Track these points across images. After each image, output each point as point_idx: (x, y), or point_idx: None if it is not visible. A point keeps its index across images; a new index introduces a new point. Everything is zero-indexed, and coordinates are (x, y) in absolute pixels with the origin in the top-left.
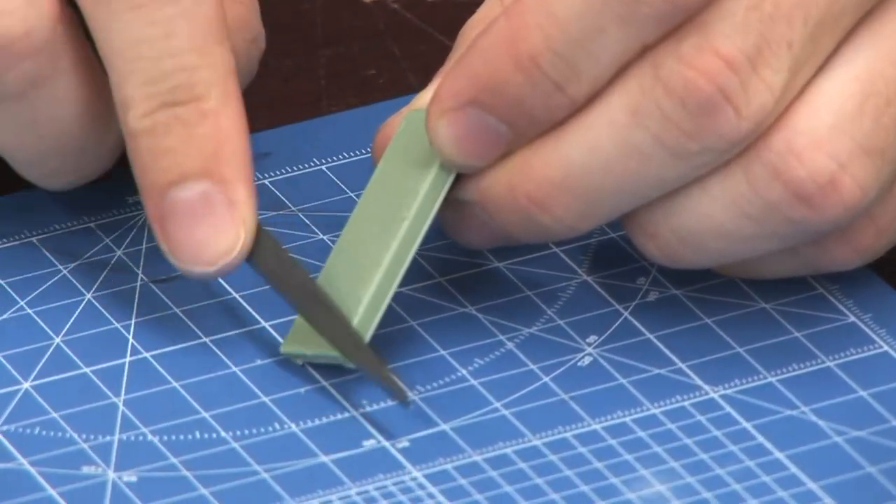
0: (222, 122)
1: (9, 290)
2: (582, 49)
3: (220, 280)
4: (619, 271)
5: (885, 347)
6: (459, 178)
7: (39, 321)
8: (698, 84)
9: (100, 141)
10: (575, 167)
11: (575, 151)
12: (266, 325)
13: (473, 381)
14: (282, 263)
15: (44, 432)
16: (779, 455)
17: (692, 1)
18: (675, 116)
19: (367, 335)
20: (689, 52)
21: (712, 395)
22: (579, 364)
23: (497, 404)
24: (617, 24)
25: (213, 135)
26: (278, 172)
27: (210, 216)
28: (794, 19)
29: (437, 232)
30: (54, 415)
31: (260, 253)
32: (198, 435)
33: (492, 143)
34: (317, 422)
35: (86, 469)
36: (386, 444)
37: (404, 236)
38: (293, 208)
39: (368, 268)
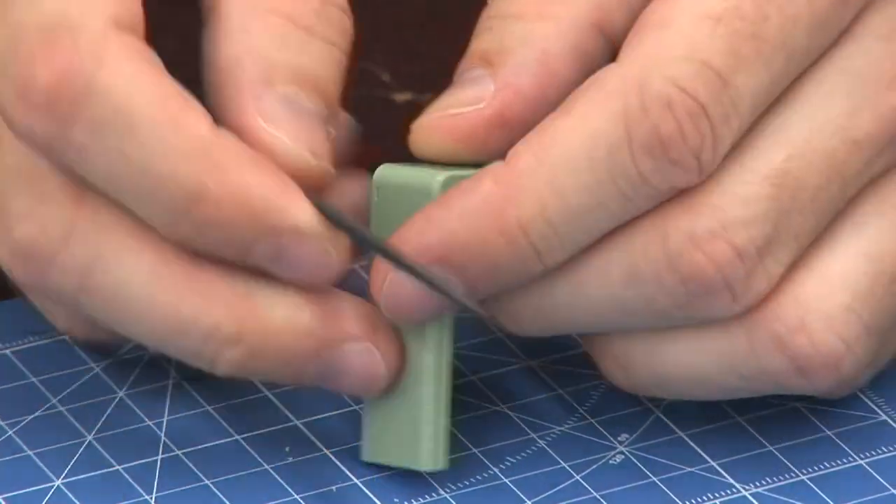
0: (233, 189)
1: (41, 387)
2: (577, 221)
3: (253, 380)
4: None
5: None
6: None
7: (72, 419)
8: (705, 270)
9: None
10: (558, 304)
11: (559, 289)
12: (298, 423)
13: (505, 480)
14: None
15: None
16: None
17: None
18: (673, 290)
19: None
20: (704, 235)
21: (744, 493)
22: (611, 462)
23: (529, 502)
24: (619, 201)
25: (237, 208)
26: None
27: (294, 256)
28: (807, 211)
29: (470, 330)
30: None
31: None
32: None
33: (434, 306)
34: None
35: None
36: None
37: (434, 373)
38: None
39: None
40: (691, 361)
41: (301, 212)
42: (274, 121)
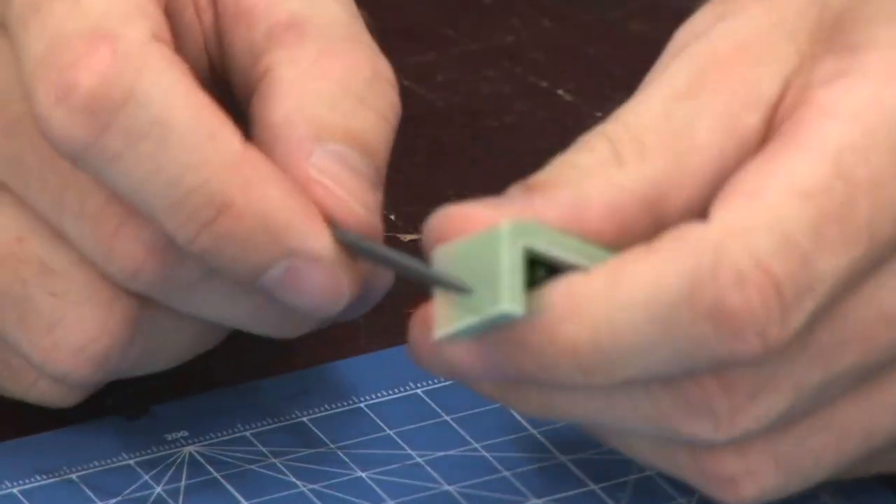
0: (260, 207)
1: None
2: (625, 358)
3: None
4: None
5: None
6: None
7: None
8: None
9: None
10: (583, 414)
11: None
12: None
13: None
14: (373, 252)
15: None
16: None
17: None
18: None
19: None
20: (713, 467)
21: None
22: None
23: None
24: (672, 355)
25: (258, 226)
26: (317, 410)
27: (305, 282)
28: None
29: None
30: None
31: (360, 254)
32: None
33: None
34: None
35: None
36: None
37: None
38: (332, 446)
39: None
40: None
41: (320, 237)
42: (326, 174)
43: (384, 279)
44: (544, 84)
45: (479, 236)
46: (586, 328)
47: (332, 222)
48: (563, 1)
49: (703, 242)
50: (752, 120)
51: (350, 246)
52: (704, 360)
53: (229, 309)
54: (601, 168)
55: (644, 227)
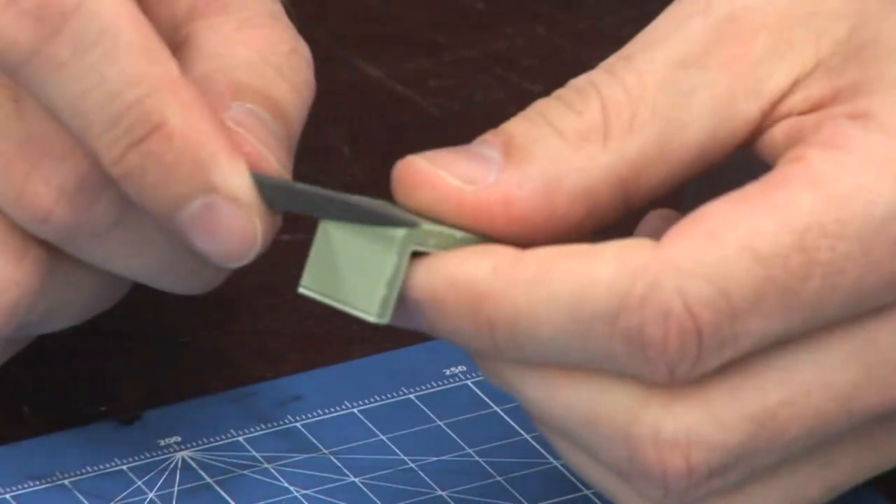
0: (190, 133)
1: None
2: (541, 349)
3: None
4: None
5: None
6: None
7: None
8: (652, 470)
9: None
10: (508, 381)
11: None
12: None
13: None
14: (295, 193)
15: None
16: None
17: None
18: (617, 456)
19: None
20: (667, 438)
21: None
22: None
23: None
24: (584, 357)
25: (186, 152)
26: (310, 415)
27: (220, 224)
28: (774, 454)
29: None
30: None
31: (276, 202)
32: None
33: None
34: None
35: None
36: None
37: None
38: (325, 451)
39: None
40: None
41: (243, 178)
42: (243, 126)
43: None
44: (538, 90)
45: (375, 229)
46: (506, 311)
47: (250, 168)
48: (556, 8)
49: (643, 269)
50: (749, 108)
51: (268, 190)
52: (613, 369)
53: (139, 260)
54: (583, 143)
55: (612, 207)
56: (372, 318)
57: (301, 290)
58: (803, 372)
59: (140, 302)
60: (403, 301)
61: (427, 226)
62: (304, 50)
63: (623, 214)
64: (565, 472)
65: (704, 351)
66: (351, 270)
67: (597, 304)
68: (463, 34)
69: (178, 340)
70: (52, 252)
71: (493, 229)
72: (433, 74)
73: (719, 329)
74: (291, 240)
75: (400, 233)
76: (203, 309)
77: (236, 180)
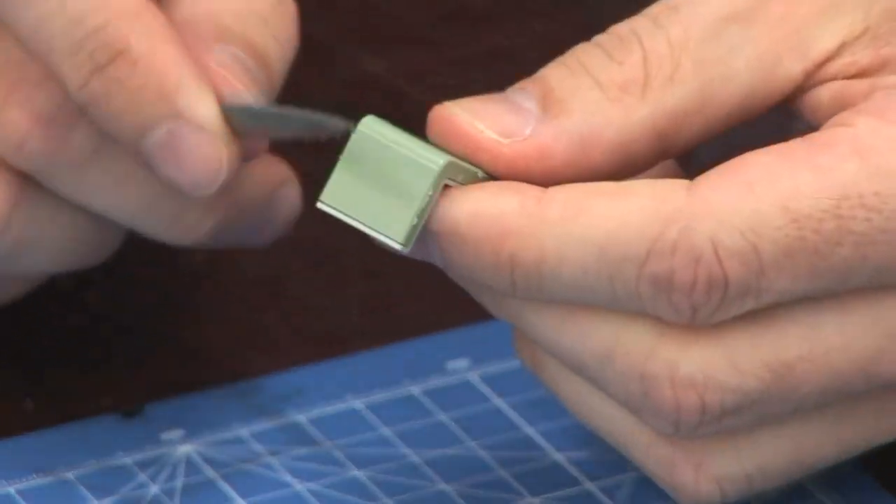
0: (155, 59)
1: None
2: (564, 290)
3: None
4: None
5: None
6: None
7: None
8: (665, 407)
9: None
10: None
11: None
12: None
13: None
14: (262, 115)
15: None
16: None
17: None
18: (631, 394)
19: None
20: (683, 377)
21: None
22: None
23: None
24: (609, 297)
25: (150, 78)
26: (313, 409)
27: (186, 151)
28: (788, 405)
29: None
30: None
31: (243, 128)
32: None
33: None
34: None
35: None
36: None
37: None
38: (328, 444)
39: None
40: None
41: (209, 104)
42: (225, 68)
43: (290, 195)
44: None
45: (414, 151)
46: (532, 250)
47: (221, 101)
48: (554, 4)
49: (677, 213)
50: (794, 68)
51: (238, 117)
52: (634, 308)
53: (117, 196)
54: (622, 95)
55: (648, 158)
56: (398, 246)
57: (320, 204)
58: (825, 331)
59: (142, 295)
60: (423, 232)
61: (458, 161)
62: (290, 4)
63: (658, 164)
64: (568, 466)
65: (727, 300)
66: (380, 194)
67: (627, 247)
68: (463, 30)
69: (180, 334)
70: (26, 181)
71: (528, 180)
72: (433, 70)
73: (745, 282)
74: (293, 235)
75: (440, 162)
76: (205, 302)
77: (202, 108)
